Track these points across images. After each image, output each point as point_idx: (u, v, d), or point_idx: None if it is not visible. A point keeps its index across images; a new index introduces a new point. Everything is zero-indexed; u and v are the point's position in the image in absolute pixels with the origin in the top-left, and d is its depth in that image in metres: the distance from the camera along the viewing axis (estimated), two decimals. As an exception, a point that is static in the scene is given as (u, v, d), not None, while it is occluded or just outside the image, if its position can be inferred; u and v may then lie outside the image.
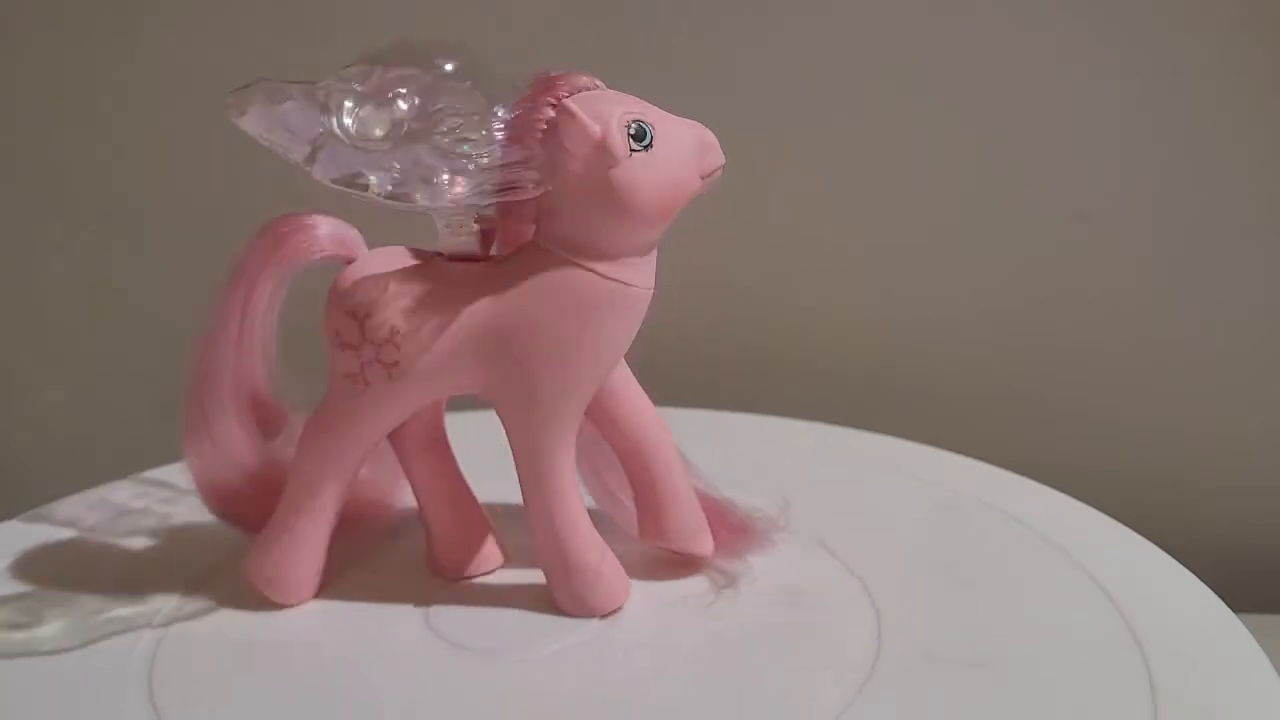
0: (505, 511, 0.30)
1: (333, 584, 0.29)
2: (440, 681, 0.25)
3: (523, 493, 0.27)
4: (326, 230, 0.28)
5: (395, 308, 0.26)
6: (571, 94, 0.25)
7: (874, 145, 0.45)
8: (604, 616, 0.28)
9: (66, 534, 0.33)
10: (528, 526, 0.28)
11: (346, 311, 0.26)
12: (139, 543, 0.33)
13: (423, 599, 0.29)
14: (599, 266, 0.26)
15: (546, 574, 0.28)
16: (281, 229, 0.28)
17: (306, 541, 0.28)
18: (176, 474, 0.38)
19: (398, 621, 0.28)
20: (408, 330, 0.26)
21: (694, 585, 0.29)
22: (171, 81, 0.47)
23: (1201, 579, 0.29)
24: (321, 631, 0.28)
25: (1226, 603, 0.27)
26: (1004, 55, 0.44)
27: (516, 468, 0.27)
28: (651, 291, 0.27)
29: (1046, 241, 0.45)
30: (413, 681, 0.25)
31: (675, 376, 0.49)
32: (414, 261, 0.27)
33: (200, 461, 0.29)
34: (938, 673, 0.25)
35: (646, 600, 0.28)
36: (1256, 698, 0.24)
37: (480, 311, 0.26)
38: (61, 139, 0.49)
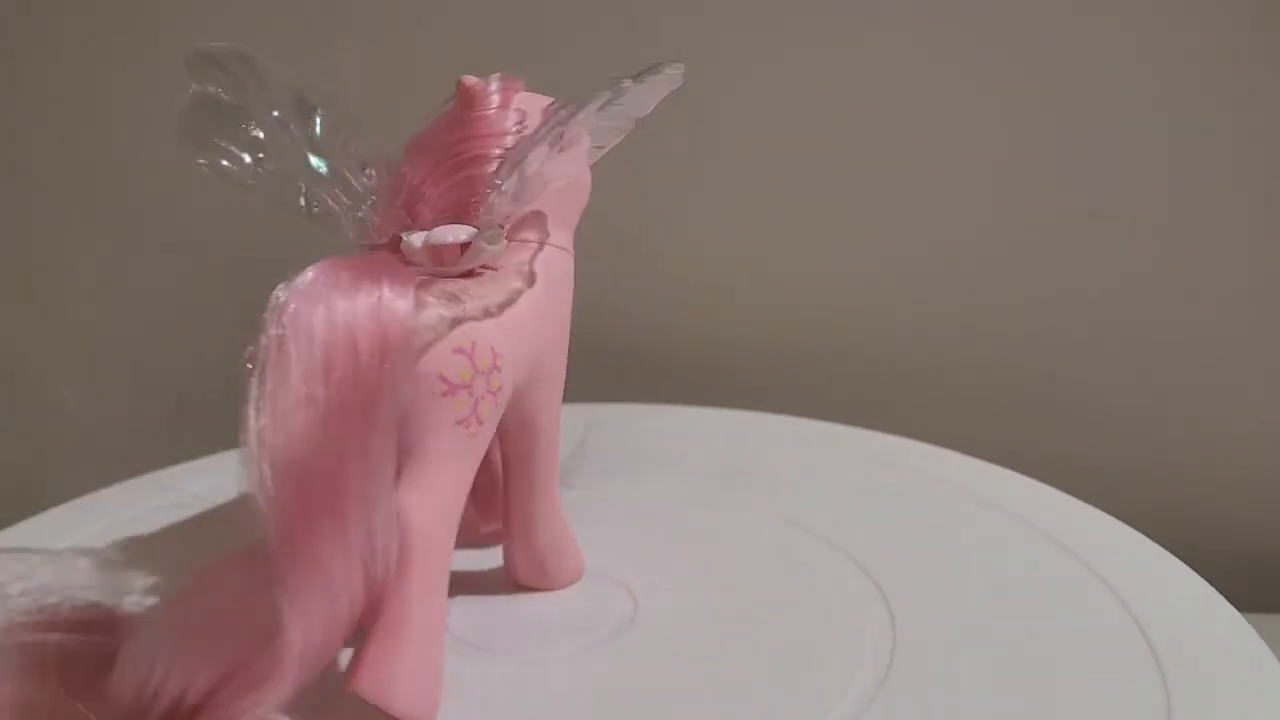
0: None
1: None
2: (456, 682, 0.25)
3: (529, 471, 0.28)
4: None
5: (487, 325, 0.24)
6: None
7: (887, 142, 0.45)
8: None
9: (79, 535, 0.33)
10: (525, 509, 0.28)
11: (455, 349, 0.23)
12: (151, 545, 0.33)
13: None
14: (562, 244, 0.27)
15: (543, 551, 0.28)
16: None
17: (439, 637, 0.23)
18: (188, 474, 0.38)
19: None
20: (503, 347, 0.24)
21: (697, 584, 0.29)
22: (193, 83, 0.47)
23: (1207, 580, 0.29)
24: None
25: (1237, 604, 0.28)
26: (1019, 51, 0.44)
27: (523, 446, 0.27)
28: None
29: (1062, 240, 0.45)
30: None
31: (681, 375, 0.49)
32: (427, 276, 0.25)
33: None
34: (951, 675, 0.25)
35: (658, 601, 0.29)
36: (1271, 700, 0.24)
37: (524, 308, 0.25)
38: (82, 141, 0.49)
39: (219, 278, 0.50)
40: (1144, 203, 0.44)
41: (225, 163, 0.23)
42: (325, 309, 0.20)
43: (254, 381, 0.19)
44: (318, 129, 0.24)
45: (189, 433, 0.41)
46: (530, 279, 0.25)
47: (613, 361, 0.47)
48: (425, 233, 0.24)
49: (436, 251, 0.24)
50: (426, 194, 0.25)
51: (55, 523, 0.34)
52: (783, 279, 0.48)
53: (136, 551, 0.32)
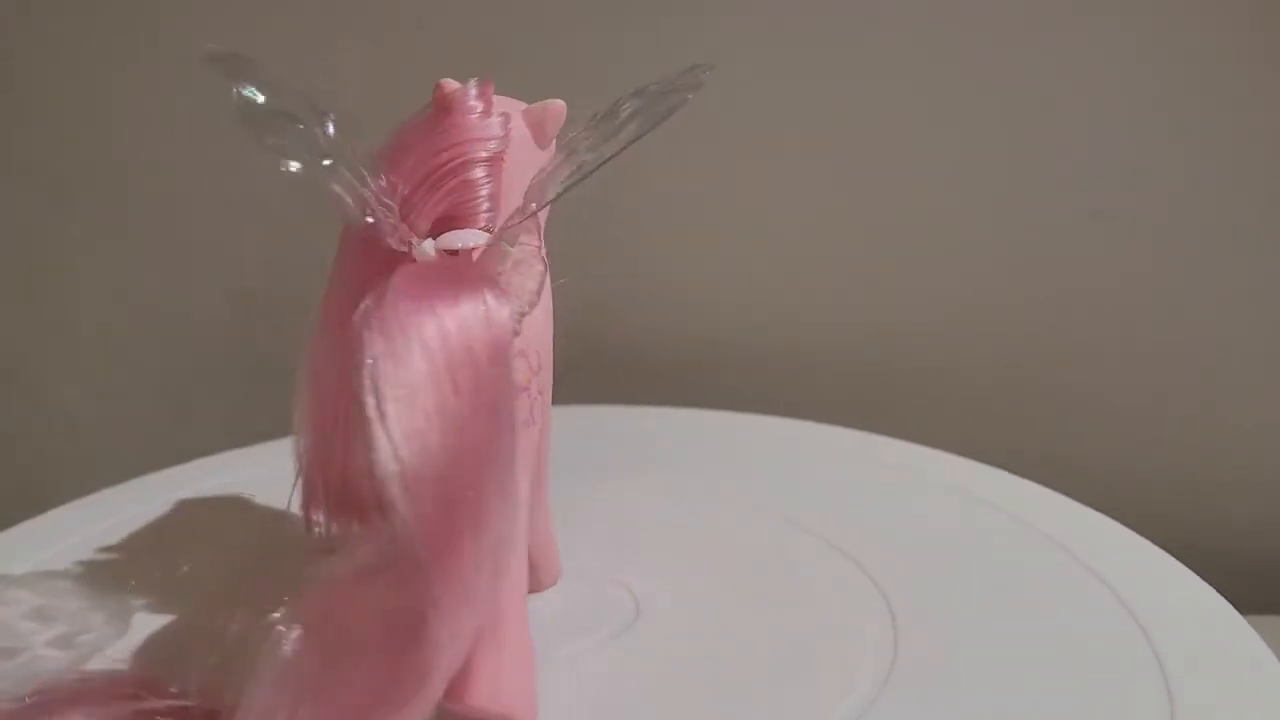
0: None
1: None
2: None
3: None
4: None
5: (533, 326, 0.23)
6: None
7: (885, 142, 0.45)
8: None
9: (80, 535, 0.33)
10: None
11: (519, 352, 0.23)
12: (153, 545, 0.33)
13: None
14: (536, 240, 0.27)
15: (535, 553, 0.28)
16: None
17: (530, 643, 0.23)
18: (190, 475, 0.38)
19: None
20: (544, 347, 0.24)
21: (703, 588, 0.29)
22: (193, 83, 0.47)
23: (1208, 581, 0.29)
24: None
25: (1238, 606, 0.28)
26: (1019, 52, 0.44)
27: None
28: None
29: (1062, 240, 0.45)
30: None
31: (679, 378, 0.49)
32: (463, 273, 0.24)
33: None
34: (953, 679, 0.25)
35: (659, 601, 0.29)
36: (1273, 702, 0.24)
37: (540, 307, 0.25)
38: (82, 141, 0.49)
39: (220, 278, 0.50)
40: (1144, 203, 0.44)
41: (294, 163, 0.22)
42: (435, 320, 0.19)
43: (371, 400, 0.18)
44: (330, 132, 0.24)
45: (190, 433, 0.41)
46: (543, 259, 0.25)
47: (612, 363, 0.47)
48: (431, 240, 0.24)
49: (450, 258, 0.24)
50: (416, 202, 0.25)
51: (56, 523, 0.34)
52: (780, 280, 0.48)
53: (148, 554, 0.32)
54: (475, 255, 0.24)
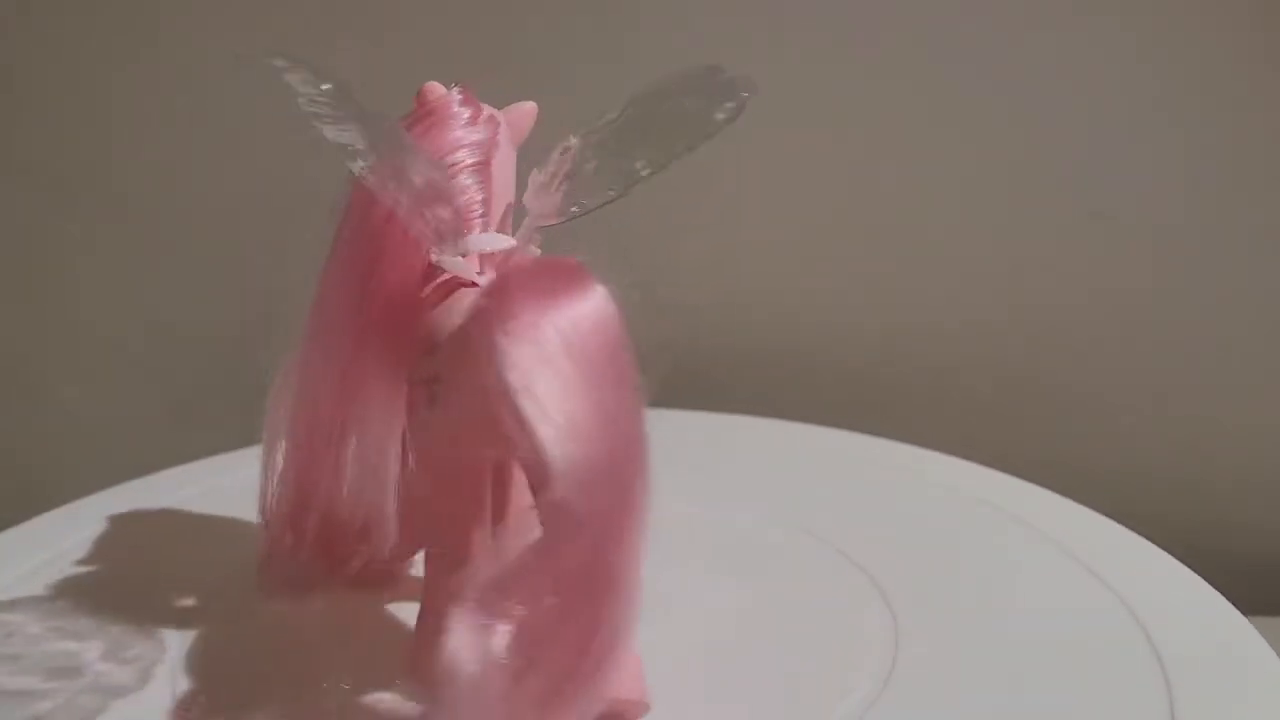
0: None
1: (341, 605, 0.28)
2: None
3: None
4: None
5: None
6: None
7: (885, 144, 0.45)
8: None
9: (83, 536, 0.33)
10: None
11: None
12: (155, 545, 0.33)
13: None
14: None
15: None
16: None
17: None
18: (191, 474, 0.38)
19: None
20: None
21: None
22: (193, 83, 0.47)
23: (1210, 583, 0.29)
24: (337, 651, 0.27)
25: (1241, 607, 0.28)
26: (1019, 52, 0.44)
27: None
28: None
29: (1062, 241, 0.45)
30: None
31: (677, 380, 0.49)
32: None
33: None
34: (953, 679, 0.25)
35: (659, 602, 0.29)
36: (1276, 704, 0.24)
37: None
38: (82, 141, 0.49)
39: (220, 278, 0.50)
40: (1144, 203, 0.44)
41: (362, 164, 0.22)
42: (566, 317, 0.20)
43: (527, 401, 0.18)
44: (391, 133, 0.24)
45: (192, 434, 0.41)
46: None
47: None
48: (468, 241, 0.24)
49: (480, 260, 0.24)
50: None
51: (57, 523, 0.34)
52: (779, 281, 0.48)
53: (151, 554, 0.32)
54: (509, 258, 0.24)
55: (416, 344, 0.23)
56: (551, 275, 0.21)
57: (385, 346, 0.24)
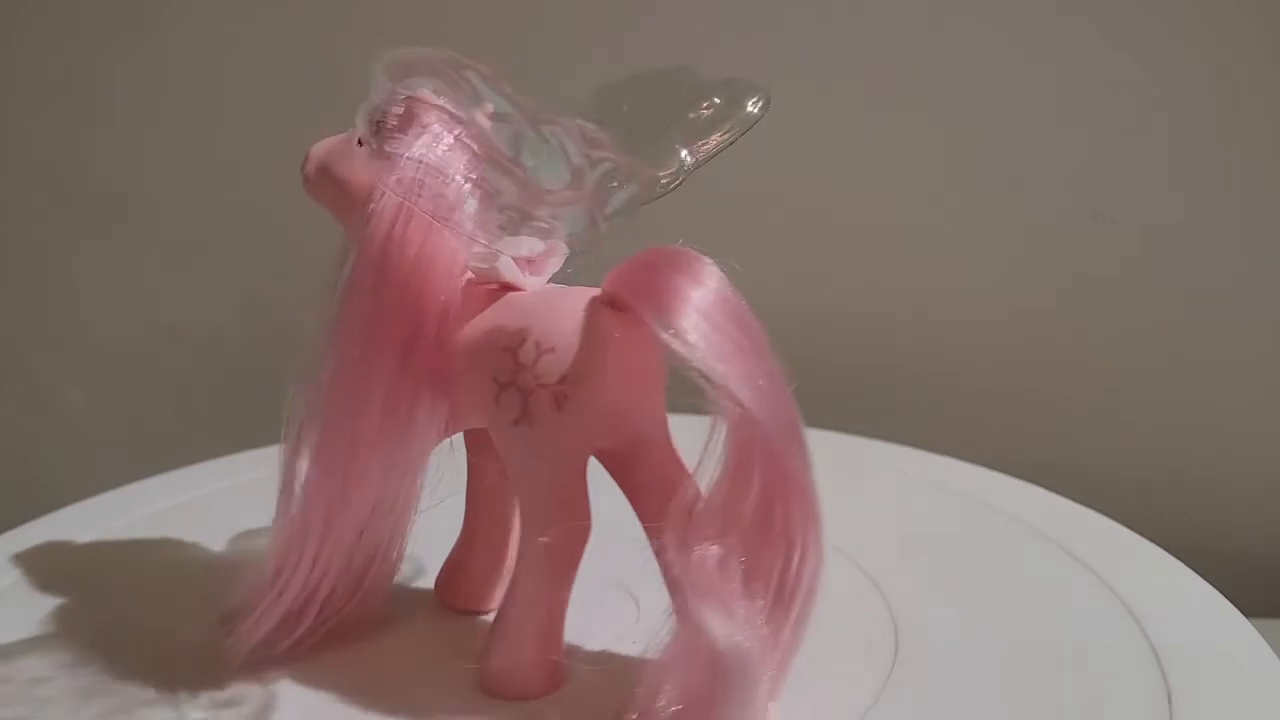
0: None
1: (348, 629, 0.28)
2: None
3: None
4: None
5: None
6: None
7: (885, 145, 0.45)
8: None
9: (86, 537, 0.33)
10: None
11: None
12: (159, 546, 0.33)
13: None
14: None
15: None
16: None
17: None
18: (192, 477, 0.38)
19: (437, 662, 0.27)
20: None
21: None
22: (195, 85, 0.47)
23: (1211, 584, 0.29)
24: (341, 673, 0.26)
25: (1243, 609, 0.28)
26: (1019, 53, 0.44)
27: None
28: None
29: (1062, 241, 0.45)
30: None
31: (684, 380, 0.49)
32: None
33: None
34: (953, 680, 0.25)
35: (660, 603, 0.29)
36: (1277, 705, 0.24)
37: None
38: (82, 141, 0.49)
39: (221, 279, 0.50)
40: (1144, 203, 0.44)
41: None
42: (714, 291, 0.24)
43: (718, 366, 0.22)
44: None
45: (194, 434, 0.41)
46: None
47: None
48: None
49: (525, 264, 0.25)
50: None
51: (61, 525, 0.34)
52: (779, 283, 0.48)
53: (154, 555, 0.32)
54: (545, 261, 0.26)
55: (466, 358, 0.24)
56: (683, 261, 0.24)
57: (428, 369, 0.24)
